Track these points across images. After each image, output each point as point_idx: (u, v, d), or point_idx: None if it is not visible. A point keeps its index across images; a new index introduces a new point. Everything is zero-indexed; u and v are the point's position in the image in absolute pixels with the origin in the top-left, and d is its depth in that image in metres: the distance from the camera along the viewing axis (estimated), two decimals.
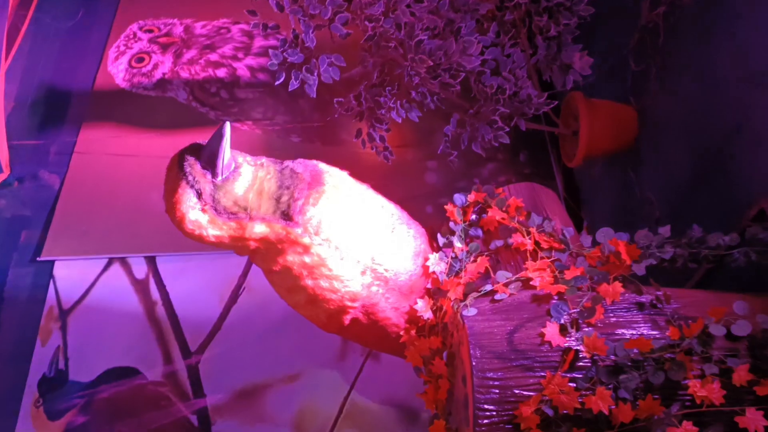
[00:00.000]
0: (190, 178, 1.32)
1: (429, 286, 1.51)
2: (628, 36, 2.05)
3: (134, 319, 2.69)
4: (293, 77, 1.88)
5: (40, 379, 2.54)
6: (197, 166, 1.34)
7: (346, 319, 1.46)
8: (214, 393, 2.48)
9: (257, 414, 2.46)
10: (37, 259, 2.76)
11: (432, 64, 1.70)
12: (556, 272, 1.36)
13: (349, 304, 1.42)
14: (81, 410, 2.48)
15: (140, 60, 3.39)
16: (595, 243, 1.41)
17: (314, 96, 1.92)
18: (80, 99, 3.29)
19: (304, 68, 1.88)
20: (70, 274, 2.77)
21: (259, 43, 3.46)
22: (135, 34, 3.52)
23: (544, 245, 1.41)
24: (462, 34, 1.83)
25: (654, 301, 1.29)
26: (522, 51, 2.03)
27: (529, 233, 1.44)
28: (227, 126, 1.31)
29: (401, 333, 1.49)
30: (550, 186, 2.72)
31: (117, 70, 3.37)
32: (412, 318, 1.49)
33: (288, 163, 1.44)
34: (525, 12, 1.97)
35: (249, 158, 1.42)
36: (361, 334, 1.54)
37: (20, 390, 2.52)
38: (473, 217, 1.54)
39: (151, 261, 2.76)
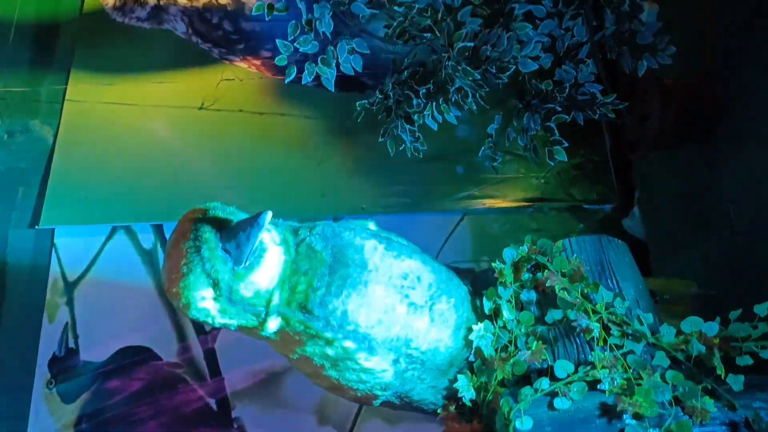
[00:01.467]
0: (207, 266, 1.07)
1: (471, 358, 1.28)
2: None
3: (144, 293, 2.53)
4: (306, 71, 1.55)
5: (50, 358, 2.42)
6: (217, 251, 1.07)
7: (376, 402, 1.26)
8: (233, 376, 2.36)
9: (278, 399, 2.34)
10: (36, 227, 2.57)
11: (479, 77, 1.36)
12: (630, 370, 1.12)
13: (380, 393, 1.22)
14: (95, 393, 2.38)
15: None
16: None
17: (333, 89, 1.60)
18: (67, 34, 2.93)
19: (319, 59, 1.55)
20: (73, 243, 2.58)
21: None
22: None
23: (615, 330, 1.17)
24: (514, 22, 1.46)
25: (750, 421, 1.06)
26: (584, 24, 1.66)
27: (595, 313, 1.19)
28: (268, 216, 1.03)
29: (438, 410, 1.30)
30: (603, 173, 2.42)
31: None
32: (452, 394, 1.29)
33: (304, 234, 1.17)
34: None
35: (275, 232, 1.14)
36: (395, 408, 1.34)
37: (31, 365, 2.42)
38: (526, 275, 1.28)
39: (159, 229, 2.55)
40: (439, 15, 1.46)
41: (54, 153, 2.64)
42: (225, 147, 2.67)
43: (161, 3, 2.92)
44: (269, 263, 1.11)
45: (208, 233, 1.08)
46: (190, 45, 2.83)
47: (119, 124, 2.70)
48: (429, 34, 1.46)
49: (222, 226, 1.09)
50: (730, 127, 1.72)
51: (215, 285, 1.07)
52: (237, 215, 1.12)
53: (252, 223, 1.04)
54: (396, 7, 1.43)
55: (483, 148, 1.70)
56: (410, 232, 2.54)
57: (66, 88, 2.77)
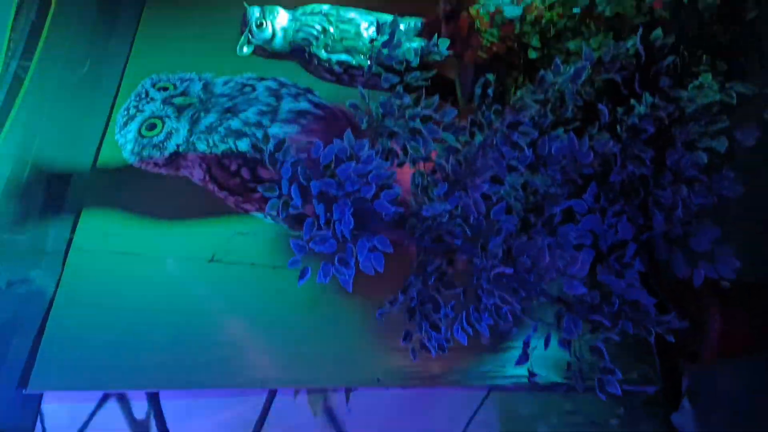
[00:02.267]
0: None
1: None
2: None
3: None
4: (322, 271, 1.39)
5: None
6: None
7: None
8: None
9: None
10: (24, 392, 2.36)
11: (519, 306, 1.19)
12: None
13: None
14: None
15: (152, 127, 2.92)
16: None
17: (350, 290, 1.43)
18: (80, 179, 2.86)
19: (336, 258, 1.39)
20: (60, 411, 2.37)
21: (287, 106, 2.96)
22: (147, 93, 3.03)
23: None
24: (554, 224, 1.31)
25: None
26: (629, 221, 1.49)
27: None
28: None
29: None
30: (645, 351, 2.21)
31: (125, 139, 2.91)
32: None
33: None
34: (640, 181, 1.44)
35: None
36: None
37: None
38: None
39: (153, 398, 2.35)
40: (471, 219, 1.31)
41: (51, 308, 2.48)
42: (234, 302, 2.52)
43: (179, 150, 2.86)
44: None
45: None
46: (206, 193, 2.74)
47: (123, 275, 2.56)
48: (459, 241, 1.30)
49: None
50: None
51: None
52: None
53: None
54: (424, 212, 1.28)
55: (520, 356, 1.49)
56: (430, 410, 2.31)
57: (72, 237, 2.66)
